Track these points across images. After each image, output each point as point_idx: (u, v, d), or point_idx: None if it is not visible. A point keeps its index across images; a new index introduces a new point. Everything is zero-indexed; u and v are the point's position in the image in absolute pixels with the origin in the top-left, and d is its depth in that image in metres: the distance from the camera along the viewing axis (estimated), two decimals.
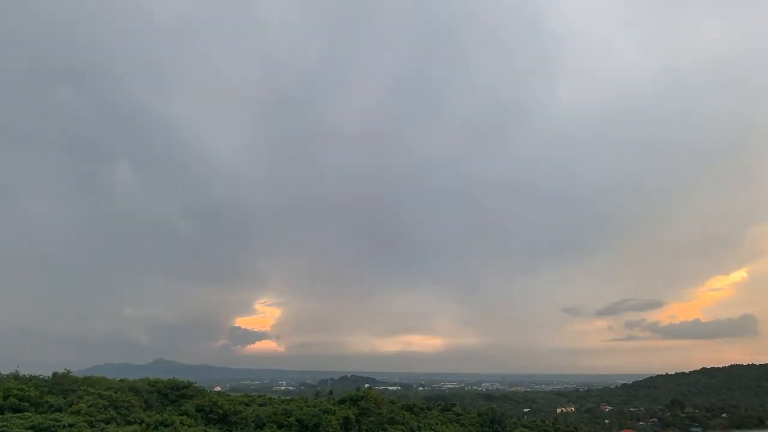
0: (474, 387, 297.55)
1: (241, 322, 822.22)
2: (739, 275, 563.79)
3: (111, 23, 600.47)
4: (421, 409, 69.04)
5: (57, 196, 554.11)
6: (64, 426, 33.45)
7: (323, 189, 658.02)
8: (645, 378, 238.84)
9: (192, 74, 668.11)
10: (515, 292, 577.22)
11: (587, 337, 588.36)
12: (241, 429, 44.55)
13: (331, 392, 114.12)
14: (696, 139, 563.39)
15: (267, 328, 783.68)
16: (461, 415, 72.62)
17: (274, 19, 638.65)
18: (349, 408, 52.73)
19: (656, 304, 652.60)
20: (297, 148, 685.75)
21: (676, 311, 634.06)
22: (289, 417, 46.82)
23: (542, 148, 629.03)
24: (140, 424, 37.85)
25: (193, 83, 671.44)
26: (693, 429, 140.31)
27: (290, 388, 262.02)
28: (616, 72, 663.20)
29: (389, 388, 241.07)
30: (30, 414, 34.91)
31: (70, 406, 38.15)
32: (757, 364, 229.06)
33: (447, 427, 61.53)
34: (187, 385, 50.52)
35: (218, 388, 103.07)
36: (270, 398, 62.52)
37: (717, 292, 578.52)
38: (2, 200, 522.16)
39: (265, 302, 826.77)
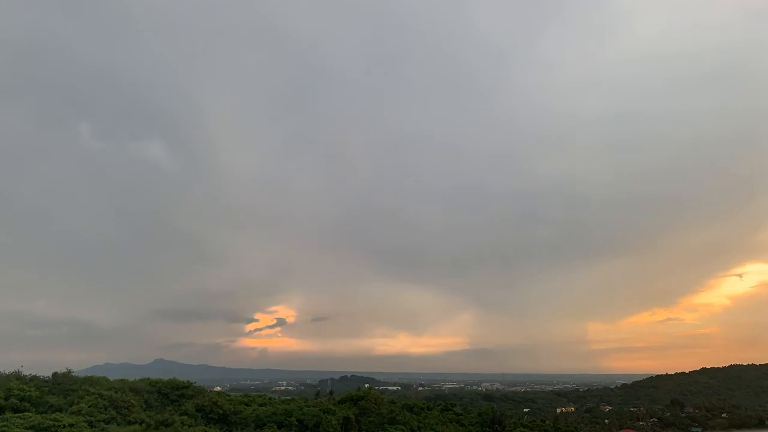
0: (474, 387, 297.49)
1: (243, 323, 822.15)
2: (742, 278, 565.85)
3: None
4: (421, 409, 68.88)
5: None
6: (64, 426, 33.52)
7: (335, 194, 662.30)
8: (645, 378, 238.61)
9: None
10: (516, 294, 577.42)
11: (587, 337, 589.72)
12: (241, 429, 44.63)
13: (331, 392, 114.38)
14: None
15: (269, 329, 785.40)
16: (461, 415, 72.53)
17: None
18: (349, 408, 52.79)
19: (657, 307, 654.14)
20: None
21: (677, 313, 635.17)
22: (289, 417, 46.85)
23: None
24: (140, 424, 37.93)
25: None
26: (693, 429, 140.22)
27: (290, 388, 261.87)
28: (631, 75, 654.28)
29: (389, 388, 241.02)
30: (30, 414, 34.98)
31: (71, 406, 38.22)
32: (757, 364, 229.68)
33: (447, 427, 61.45)
34: (187, 385, 50.59)
35: (218, 388, 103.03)
36: (270, 398, 62.52)
37: (719, 294, 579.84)
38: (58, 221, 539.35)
39: (269, 305, 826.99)
